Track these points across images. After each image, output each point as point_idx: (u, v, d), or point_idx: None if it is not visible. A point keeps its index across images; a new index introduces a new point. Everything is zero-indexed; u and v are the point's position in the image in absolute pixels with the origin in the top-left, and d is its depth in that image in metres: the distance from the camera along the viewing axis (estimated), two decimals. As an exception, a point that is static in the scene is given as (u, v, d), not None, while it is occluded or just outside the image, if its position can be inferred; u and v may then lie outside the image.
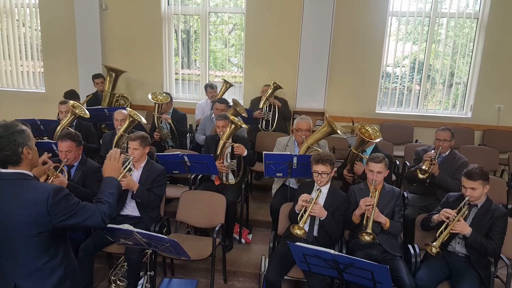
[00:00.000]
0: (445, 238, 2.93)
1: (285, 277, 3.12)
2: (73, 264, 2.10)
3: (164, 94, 5.12)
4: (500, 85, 5.84)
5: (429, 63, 6.13)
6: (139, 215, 3.50)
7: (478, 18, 5.85)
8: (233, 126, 4.05)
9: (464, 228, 2.91)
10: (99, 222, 2.00)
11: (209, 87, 5.85)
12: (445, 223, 2.95)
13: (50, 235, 1.91)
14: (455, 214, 2.94)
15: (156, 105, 4.93)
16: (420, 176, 3.73)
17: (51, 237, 1.92)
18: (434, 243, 2.90)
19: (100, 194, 2.11)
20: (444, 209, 3.02)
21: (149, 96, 4.95)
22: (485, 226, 2.98)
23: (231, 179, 4.25)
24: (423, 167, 3.72)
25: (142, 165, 3.57)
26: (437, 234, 2.96)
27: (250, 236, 4.34)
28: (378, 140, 3.75)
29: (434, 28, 5.98)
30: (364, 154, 3.79)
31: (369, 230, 2.98)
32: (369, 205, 3.04)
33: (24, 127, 1.94)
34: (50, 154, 2.84)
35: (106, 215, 2.02)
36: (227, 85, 5.93)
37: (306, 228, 3.14)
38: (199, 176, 4.39)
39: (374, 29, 5.94)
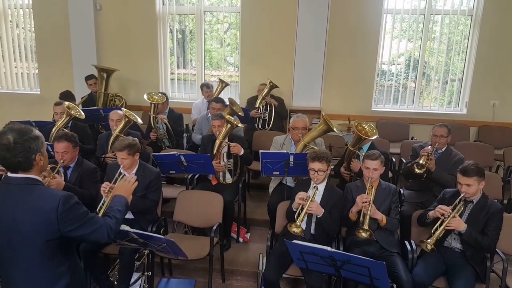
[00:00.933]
0: (440, 235, 2.95)
1: (283, 275, 3.12)
2: (79, 272, 2.08)
3: (160, 94, 5.10)
4: (495, 81, 5.87)
5: (424, 60, 6.16)
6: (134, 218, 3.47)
7: (472, 15, 5.87)
8: (229, 125, 4.05)
9: (459, 224, 2.93)
10: (105, 237, 1.96)
11: (205, 87, 5.85)
12: (440, 219, 2.97)
13: (58, 243, 1.87)
14: (450, 211, 2.95)
15: (152, 105, 4.92)
16: (417, 170, 3.75)
17: (58, 245, 1.88)
18: (429, 240, 2.92)
19: (108, 209, 2.11)
20: (439, 206, 3.03)
21: (145, 96, 4.94)
22: (481, 222, 3.00)
23: (228, 179, 4.25)
24: (420, 161, 3.75)
25: (134, 171, 3.48)
26: (432, 231, 2.98)
27: (247, 235, 4.35)
28: (374, 137, 3.77)
29: (429, 25, 6.01)
30: (361, 151, 3.80)
31: (365, 226, 3.00)
32: (366, 202, 3.06)
33: (38, 133, 1.91)
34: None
35: (112, 230, 1.99)
36: (223, 84, 5.93)
37: (304, 226, 3.15)
38: (196, 176, 4.39)
39: (369, 27, 5.96)
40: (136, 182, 2.39)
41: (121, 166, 3.34)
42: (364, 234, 3.01)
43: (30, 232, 1.81)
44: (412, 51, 6.22)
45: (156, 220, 3.55)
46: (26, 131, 1.85)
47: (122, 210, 2.14)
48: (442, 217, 2.96)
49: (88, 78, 6.07)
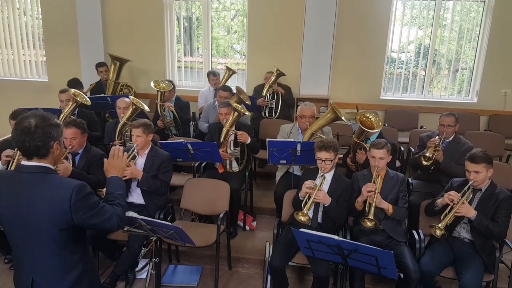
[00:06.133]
0: (450, 221, 2.92)
1: (290, 263, 3.13)
2: (91, 262, 2.07)
3: (167, 82, 5.09)
4: (506, 70, 5.76)
5: (434, 48, 6.05)
6: (144, 202, 3.51)
7: (484, 2, 5.74)
8: (236, 113, 4.03)
9: (469, 210, 2.90)
10: (115, 225, 1.95)
11: (212, 75, 5.82)
12: (450, 206, 2.95)
13: (71, 232, 1.86)
14: (459, 197, 2.93)
15: (159, 93, 4.91)
16: (424, 163, 3.70)
17: (71, 234, 1.87)
18: (439, 225, 2.90)
19: (110, 196, 2.04)
20: (448, 192, 3.01)
21: (152, 84, 4.92)
22: (490, 210, 2.97)
23: (235, 167, 4.25)
24: (427, 154, 3.70)
25: (146, 152, 3.58)
26: (442, 217, 2.96)
27: (254, 223, 4.36)
28: (378, 130, 3.69)
29: (440, 12, 5.88)
30: (368, 142, 3.75)
31: (371, 216, 2.97)
32: (371, 191, 3.04)
33: (59, 121, 1.91)
34: None
35: (121, 219, 1.97)
36: (230, 72, 5.90)
37: (310, 214, 3.14)
38: (203, 164, 4.39)
39: (379, 14, 5.86)
40: (126, 154, 2.26)
41: (135, 145, 3.40)
42: (369, 224, 2.99)
43: (43, 221, 1.80)
44: (422, 39, 6.11)
45: (163, 207, 3.57)
46: (48, 117, 1.85)
47: (123, 193, 2.10)
48: (451, 203, 2.94)
49: (100, 65, 6.07)
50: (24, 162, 1.86)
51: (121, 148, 2.23)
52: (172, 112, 5.04)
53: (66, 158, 3.30)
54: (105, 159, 2.20)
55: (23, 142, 1.80)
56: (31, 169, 1.84)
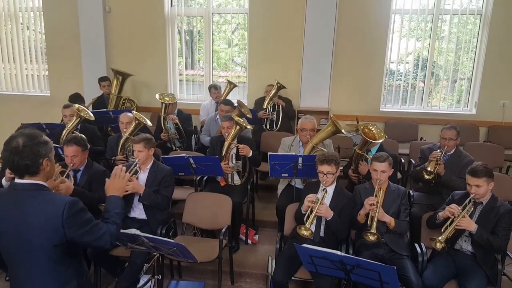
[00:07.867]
0: (450, 234, 2.93)
1: (292, 278, 3.12)
2: (86, 277, 2.09)
3: (170, 95, 5.16)
4: (504, 81, 5.81)
5: (433, 60, 6.11)
6: (146, 217, 3.52)
7: (481, 15, 5.82)
8: (238, 127, 4.06)
9: (469, 224, 2.91)
10: (107, 244, 1.97)
11: (213, 88, 5.87)
12: (450, 219, 2.96)
13: (65, 247, 1.88)
14: (460, 210, 2.94)
15: (163, 105, 4.96)
16: (426, 177, 3.71)
17: (65, 250, 1.89)
18: (439, 238, 2.91)
19: (106, 214, 2.07)
20: (449, 205, 3.02)
21: (157, 96, 4.98)
22: (491, 223, 2.98)
23: (237, 180, 4.27)
24: (429, 168, 3.71)
25: (149, 166, 3.59)
26: (442, 230, 2.97)
27: (256, 237, 4.35)
28: (381, 140, 3.73)
29: (438, 24, 5.96)
30: (369, 153, 3.78)
31: (373, 230, 2.98)
32: (373, 205, 3.05)
33: (47, 138, 1.94)
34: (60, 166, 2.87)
35: (114, 237, 2.00)
36: (231, 85, 5.95)
37: (313, 228, 3.15)
38: (205, 178, 4.41)
39: (378, 27, 5.93)
40: (128, 175, 2.33)
41: (137, 160, 3.42)
42: (371, 238, 2.99)
43: (37, 237, 1.83)
44: (420, 51, 6.18)
45: (165, 222, 3.58)
46: (36, 135, 1.89)
47: (120, 212, 2.13)
48: (452, 217, 2.95)
49: (103, 79, 6.11)
50: (17, 180, 1.90)
51: (124, 168, 2.29)
52: (177, 124, 5.08)
53: (68, 176, 3.31)
54: (107, 179, 2.25)
55: (13, 162, 1.85)
56: (25, 186, 1.88)
